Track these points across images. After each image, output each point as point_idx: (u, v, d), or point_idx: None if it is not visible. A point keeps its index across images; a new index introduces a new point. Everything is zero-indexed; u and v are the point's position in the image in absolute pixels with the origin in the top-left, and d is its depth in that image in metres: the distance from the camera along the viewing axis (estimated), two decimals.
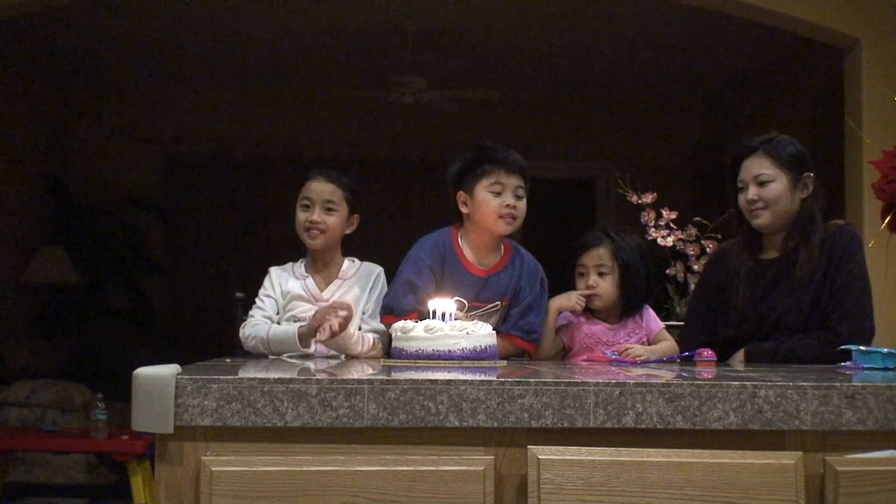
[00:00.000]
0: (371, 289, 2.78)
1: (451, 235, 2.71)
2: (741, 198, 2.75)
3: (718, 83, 7.86)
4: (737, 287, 2.77)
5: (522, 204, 2.66)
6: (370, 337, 2.68)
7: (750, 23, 5.42)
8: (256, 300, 2.77)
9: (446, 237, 2.71)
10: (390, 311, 2.60)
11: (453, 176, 2.69)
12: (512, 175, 2.64)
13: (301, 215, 2.74)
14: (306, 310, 2.70)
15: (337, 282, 2.77)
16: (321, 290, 2.75)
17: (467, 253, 2.69)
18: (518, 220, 2.65)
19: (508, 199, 2.62)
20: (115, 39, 7.05)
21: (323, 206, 2.73)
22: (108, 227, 7.83)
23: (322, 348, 2.62)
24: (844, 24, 5.02)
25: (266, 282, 2.79)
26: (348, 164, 7.81)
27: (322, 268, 2.79)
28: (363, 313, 2.76)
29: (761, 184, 2.70)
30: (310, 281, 2.76)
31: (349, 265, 2.81)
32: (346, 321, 2.49)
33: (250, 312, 2.75)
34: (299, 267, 2.81)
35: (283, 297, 2.75)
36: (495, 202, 2.62)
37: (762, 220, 2.71)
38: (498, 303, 2.65)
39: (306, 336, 2.56)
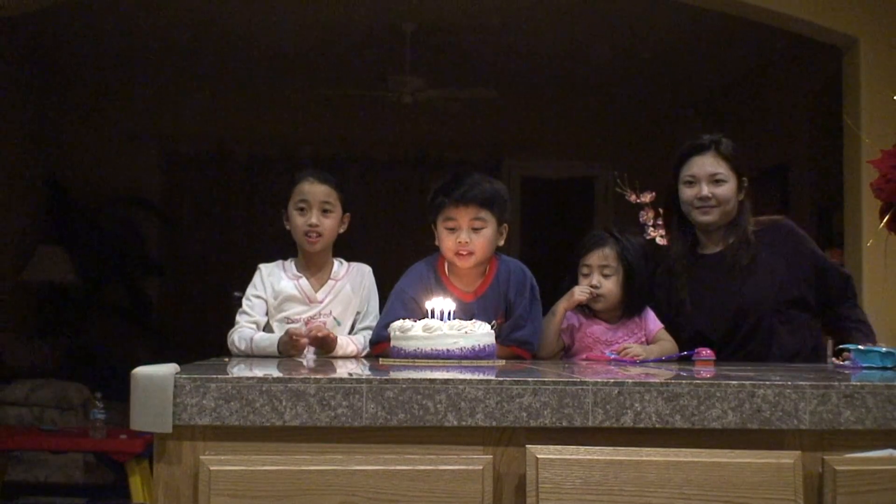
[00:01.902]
0: (363, 287, 2.77)
1: (438, 263, 2.69)
2: (689, 192, 2.82)
3: (716, 82, 7.85)
4: (685, 284, 2.83)
5: (480, 237, 2.58)
6: (360, 338, 2.68)
7: (748, 22, 5.42)
8: (244, 301, 2.73)
9: (431, 267, 2.69)
10: (380, 340, 2.56)
11: (427, 207, 2.67)
12: (467, 207, 2.57)
13: (299, 219, 2.70)
14: (299, 311, 2.69)
15: (330, 283, 2.75)
16: (315, 291, 2.73)
17: (454, 280, 2.67)
18: (476, 254, 2.59)
19: (461, 235, 2.57)
20: (112, 39, 7.04)
21: (320, 209, 2.70)
22: (107, 226, 7.82)
23: (312, 355, 2.61)
24: (843, 23, 5.02)
25: (256, 280, 2.75)
26: (346, 164, 7.83)
27: (315, 269, 2.76)
28: (357, 312, 2.76)
29: (715, 182, 2.78)
30: (303, 281, 2.73)
31: (339, 266, 2.79)
32: (329, 344, 2.52)
33: (237, 318, 2.71)
34: (291, 266, 2.77)
35: (275, 298, 2.71)
36: (449, 239, 2.59)
37: (711, 217, 2.80)
38: (494, 322, 2.58)
39: (285, 351, 2.55)
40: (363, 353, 2.65)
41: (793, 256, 2.82)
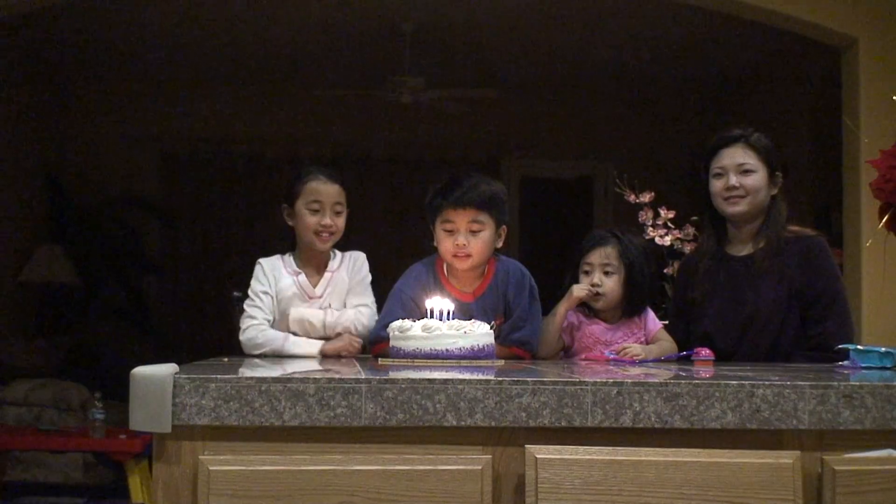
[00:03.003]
0: (356, 271, 2.80)
1: (436, 264, 2.70)
2: (718, 184, 2.80)
3: (716, 82, 7.86)
4: (703, 282, 2.81)
5: (478, 240, 2.58)
6: (351, 313, 2.72)
7: (748, 22, 5.42)
8: (251, 294, 2.74)
9: (430, 268, 2.69)
10: (379, 340, 2.57)
11: (425, 209, 2.68)
12: (465, 210, 2.57)
13: (311, 219, 2.71)
14: (299, 308, 2.72)
15: (327, 275, 2.78)
16: (313, 286, 2.76)
17: (453, 281, 2.67)
18: (474, 256, 2.59)
19: (459, 238, 2.57)
20: (112, 38, 7.04)
21: (333, 210, 2.73)
22: (106, 226, 7.82)
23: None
24: (842, 23, 5.02)
25: (259, 275, 2.76)
26: (346, 164, 7.82)
27: (315, 264, 2.79)
28: (348, 291, 2.79)
29: (743, 172, 2.76)
30: (302, 277, 2.76)
31: (334, 257, 2.82)
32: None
33: (249, 312, 2.71)
34: (290, 261, 2.79)
35: (277, 293, 2.74)
36: (447, 241, 2.59)
37: (740, 207, 2.77)
38: (493, 322, 2.58)
39: (327, 355, 2.61)
40: (359, 329, 2.70)
41: (811, 272, 2.74)
